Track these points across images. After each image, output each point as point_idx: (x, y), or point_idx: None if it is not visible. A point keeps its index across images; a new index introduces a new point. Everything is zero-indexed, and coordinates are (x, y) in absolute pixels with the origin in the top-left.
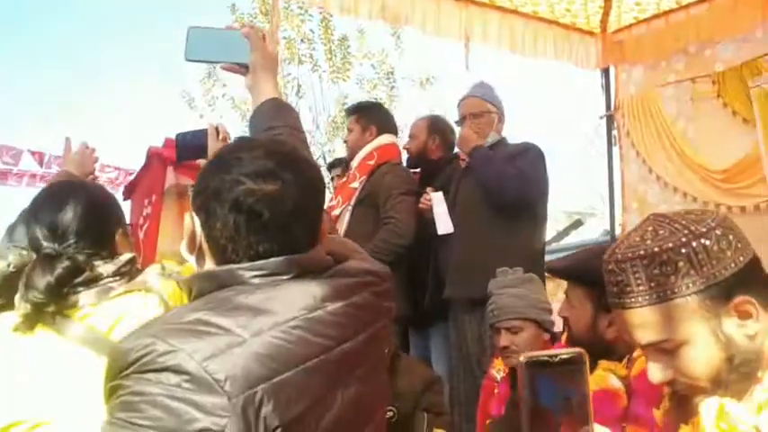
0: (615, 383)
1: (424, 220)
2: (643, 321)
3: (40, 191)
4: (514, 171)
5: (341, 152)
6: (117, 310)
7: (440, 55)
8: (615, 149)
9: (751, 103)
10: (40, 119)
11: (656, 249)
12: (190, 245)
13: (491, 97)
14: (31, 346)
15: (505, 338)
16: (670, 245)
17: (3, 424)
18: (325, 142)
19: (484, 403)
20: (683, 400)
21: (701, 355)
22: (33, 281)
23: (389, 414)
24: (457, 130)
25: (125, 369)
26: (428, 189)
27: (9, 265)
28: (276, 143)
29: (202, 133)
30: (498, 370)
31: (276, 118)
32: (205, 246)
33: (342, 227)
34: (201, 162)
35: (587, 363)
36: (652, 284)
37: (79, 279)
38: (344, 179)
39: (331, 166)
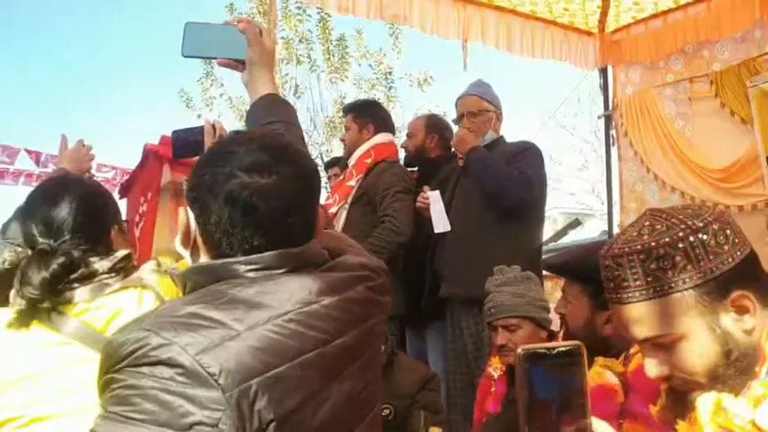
0: (612, 380)
1: (421, 218)
2: (640, 316)
3: (35, 187)
4: (514, 173)
5: (338, 152)
6: (113, 306)
7: (438, 55)
8: (613, 149)
9: (749, 102)
10: (35, 118)
11: (653, 244)
12: (184, 239)
13: (489, 96)
14: (26, 342)
15: (503, 336)
16: (667, 240)
17: None
18: (322, 142)
19: (481, 401)
20: (679, 396)
21: (698, 351)
22: (28, 277)
23: (386, 412)
24: (455, 128)
25: (119, 363)
26: (425, 187)
27: (4, 262)
28: (271, 137)
29: (199, 130)
30: (495, 368)
31: (273, 113)
32: (200, 240)
33: (338, 225)
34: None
35: (585, 355)
36: (649, 279)
37: (74, 275)
38: (341, 177)
39: (328, 166)
